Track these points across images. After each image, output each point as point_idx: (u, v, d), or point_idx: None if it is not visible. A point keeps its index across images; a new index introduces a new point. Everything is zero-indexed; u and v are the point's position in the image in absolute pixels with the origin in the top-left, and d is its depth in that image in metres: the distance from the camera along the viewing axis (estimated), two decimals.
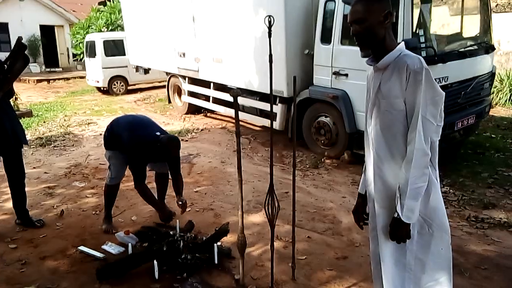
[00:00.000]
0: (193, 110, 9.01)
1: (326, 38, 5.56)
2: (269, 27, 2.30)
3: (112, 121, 3.84)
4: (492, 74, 5.78)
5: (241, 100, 6.96)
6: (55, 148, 6.73)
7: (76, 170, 5.56)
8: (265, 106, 6.51)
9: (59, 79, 17.31)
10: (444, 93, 1.80)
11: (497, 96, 8.95)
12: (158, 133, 3.56)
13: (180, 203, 3.61)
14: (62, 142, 7.05)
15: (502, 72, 9.15)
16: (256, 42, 6.24)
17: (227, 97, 7.38)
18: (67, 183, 5.08)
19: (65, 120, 8.92)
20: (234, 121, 8.32)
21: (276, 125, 6.26)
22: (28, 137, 6.67)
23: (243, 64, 6.66)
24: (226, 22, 6.84)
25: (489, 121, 7.48)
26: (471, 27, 5.94)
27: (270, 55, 2.36)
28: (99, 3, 18.51)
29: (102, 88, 12.89)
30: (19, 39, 3.44)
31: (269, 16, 2.28)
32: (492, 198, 4.46)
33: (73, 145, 6.91)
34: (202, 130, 7.81)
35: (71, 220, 4.04)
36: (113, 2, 16.96)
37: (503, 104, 8.90)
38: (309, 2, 5.78)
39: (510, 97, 8.84)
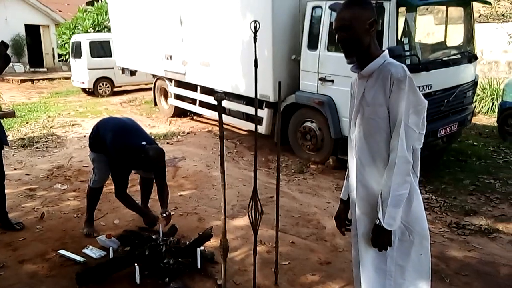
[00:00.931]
0: (179, 113, 8.97)
1: (313, 44, 5.60)
2: (255, 32, 2.30)
3: (99, 122, 3.75)
4: (475, 83, 5.89)
5: (227, 104, 6.96)
6: (37, 149, 6.62)
7: (58, 172, 5.47)
8: (251, 110, 6.50)
9: (43, 79, 17.05)
10: (426, 102, 1.83)
11: (479, 105, 9.12)
12: (144, 143, 3.47)
13: (164, 215, 3.53)
14: (45, 144, 6.94)
15: (484, 81, 9.33)
16: (243, 46, 6.25)
17: (214, 100, 7.36)
18: (48, 185, 4.99)
19: (48, 121, 8.79)
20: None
21: (262, 129, 6.27)
22: (9, 138, 6.57)
23: (230, 68, 6.66)
24: (213, 26, 6.84)
25: (472, 129, 7.61)
26: (455, 36, 6.06)
27: (255, 60, 2.36)
28: (87, 3, 18.33)
29: (87, 90, 12.75)
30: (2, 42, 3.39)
31: (255, 21, 2.28)
32: (473, 205, 4.53)
33: (56, 146, 6.81)
34: (188, 133, 7.77)
35: (52, 223, 3.96)
36: (100, 2, 16.82)
37: (485, 113, 9.07)
38: (297, 8, 5.82)
39: (492, 105, 9.02)
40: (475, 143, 6.82)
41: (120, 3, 9.62)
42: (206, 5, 6.91)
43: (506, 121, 6.94)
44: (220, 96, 2.18)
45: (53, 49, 20.53)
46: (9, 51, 3.45)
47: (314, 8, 5.57)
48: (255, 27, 2.29)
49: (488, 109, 9.06)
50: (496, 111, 7.83)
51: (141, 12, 8.68)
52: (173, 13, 7.65)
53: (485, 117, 8.91)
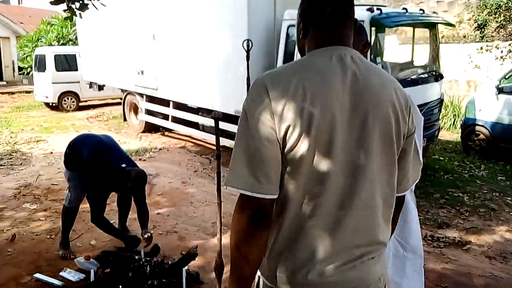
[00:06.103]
0: (149, 128, 8.82)
1: (288, 61, 5.69)
2: (247, 51, 2.33)
3: (75, 138, 3.61)
4: (441, 101, 6.18)
5: (201, 120, 6.93)
6: (1, 167, 6.31)
7: (26, 190, 5.22)
8: (226, 126, 6.49)
9: (2, 93, 16.34)
10: None
11: (442, 121, 9.52)
12: (123, 165, 3.31)
13: (146, 236, 3.41)
14: (9, 161, 6.63)
15: (445, 99, 9.77)
16: (218, 62, 6.28)
17: (187, 116, 7.32)
18: (16, 204, 4.75)
19: (11, 137, 8.40)
20: (193, 140, 8.11)
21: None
22: None
23: (203, 83, 6.65)
24: (188, 42, 6.83)
25: (437, 144, 7.93)
26: (421, 56, 6.35)
27: (248, 78, 2.39)
28: (65, 18, 17.86)
29: (51, 104, 12.32)
30: None
31: (248, 40, 2.31)
32: (445, 217, 4.71)
33: (21, 164, 6.51)
34: (160, 149, 7.64)
35: (24, 245, 3.76)
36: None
37: (447, 129, 9.48)
38: (271, 26, 5.92)
39: (454, 121, 9.46)
40: (441, 158, 7.11)
41: (89, 17, 9.43)
42: (181, 21, 6.90)
43: (469, 136, 7.29)
44: (217, 114, 2.19)
45: (13, 61, 19.80)
46: None
47: (289, 26, 5.69)
48: (248, 45, 2.32)
49: (450, 125, 9.49)
50: (459, 127, 8.20)
51: (111, 27, 8.55)
52: (146, 28, 7.58)
53: (447, 132, 9.32)
